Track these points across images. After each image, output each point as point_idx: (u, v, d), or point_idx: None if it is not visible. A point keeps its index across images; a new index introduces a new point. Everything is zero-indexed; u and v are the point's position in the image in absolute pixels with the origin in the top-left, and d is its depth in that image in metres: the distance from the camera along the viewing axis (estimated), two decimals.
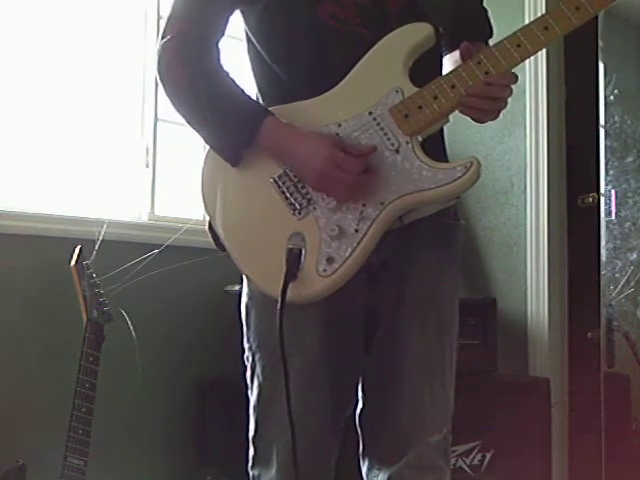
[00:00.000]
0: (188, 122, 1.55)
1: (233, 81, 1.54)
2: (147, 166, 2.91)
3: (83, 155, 2.78)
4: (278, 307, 1.40)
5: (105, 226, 2.51)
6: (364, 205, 1.46)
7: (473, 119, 1.55)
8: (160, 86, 1.57)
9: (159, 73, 1.55)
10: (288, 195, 1.49)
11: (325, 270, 1.44)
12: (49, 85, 2.70)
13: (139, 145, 2.92)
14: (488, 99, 1.48)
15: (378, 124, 1.48)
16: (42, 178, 2.68)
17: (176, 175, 2.99)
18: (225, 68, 1.56)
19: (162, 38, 1.55)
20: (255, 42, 1.61)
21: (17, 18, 2.64)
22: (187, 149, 2.93)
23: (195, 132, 1.55)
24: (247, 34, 1.63)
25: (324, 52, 1.55)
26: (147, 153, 2.91)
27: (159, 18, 2.92)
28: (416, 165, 1.46)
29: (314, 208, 1.47)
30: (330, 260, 1.44)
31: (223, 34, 1.59)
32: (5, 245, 2.46)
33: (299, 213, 1.48)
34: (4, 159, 2.59)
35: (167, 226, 2.80)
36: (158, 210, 2.93)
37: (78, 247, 2.29)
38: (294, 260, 1.43)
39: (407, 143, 1.47)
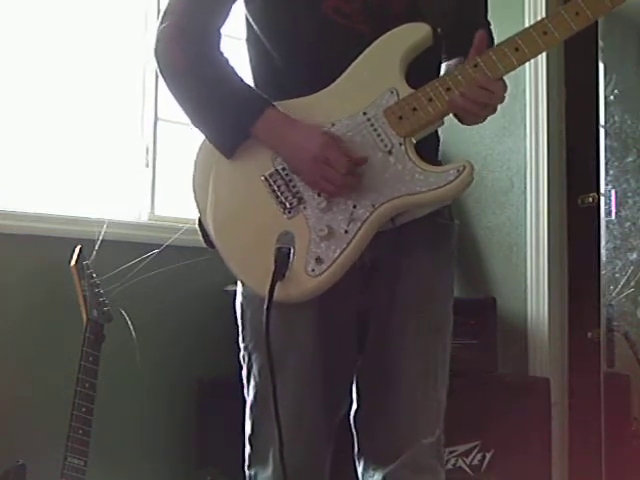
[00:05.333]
0: (183, 108, 1.53)
1: (232, 68, 1.53)
2: (147, 166, 2.91)
3: (83, 155, 2.78)
4: (265, 307, 1.40)
5: (105, 226, 2.51)
6: (355, 206, 1.45)
7: (457, 118, 1.55)
8: (159, 76, 1.55)
9: (156, 57, 1.53)
10: (279, 194, 1.48)
11: (314, 270, 1.44)
12: (49, 85, 2.71)
13: (139, 145, 2.92)
14: (476, 103, 1.47)
15: (372, 125, 1.48)
16: (42, 178, 2.68)
17: (176, 175, 2.98)
18: (225, 55, 1.53)
19: (161, 23, 1.54)
20: (257, 30, 1.59)
21: (17, 18, 2.65)
22: (187, 149, 2.92)
23: (190, 120, 1.53)
24: (248, 21, 1.61)
25: (324, 47, 1.54)
26: (147, 153, 2.91)
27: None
28: (408, 167, 1.46)
29: (304, 207, 1.47)
30: (319, 260, 1.44)
31: (224, 21, 1.57)
32: (5, 245, 2.46)
33: (289, 212, 1.47)
34: (4, 159, 2.60)
35: (167, 226, 2.80)
36: (158, 210, 2.93)
37: (78, 247, 2.30)
38: (283, 259, 1.43)
39: (400, 145, 1.47)
